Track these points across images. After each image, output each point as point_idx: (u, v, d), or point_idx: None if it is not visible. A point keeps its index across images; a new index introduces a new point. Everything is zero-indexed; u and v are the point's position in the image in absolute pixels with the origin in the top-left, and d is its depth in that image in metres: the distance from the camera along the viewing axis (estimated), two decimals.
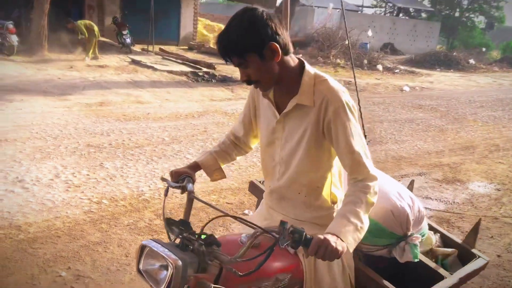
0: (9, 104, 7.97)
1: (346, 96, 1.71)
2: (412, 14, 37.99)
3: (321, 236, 1.46)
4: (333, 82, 1.74)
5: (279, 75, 1.70)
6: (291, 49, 1.70)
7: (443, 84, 17.20)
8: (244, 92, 11.78)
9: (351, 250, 1.57)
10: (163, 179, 1.85)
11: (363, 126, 3.42)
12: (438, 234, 2.33)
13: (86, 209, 4.28)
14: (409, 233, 1.99)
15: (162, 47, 17.20)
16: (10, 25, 12.38)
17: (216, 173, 2.08)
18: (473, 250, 2.24)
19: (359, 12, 34.87)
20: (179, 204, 4.53)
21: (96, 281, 3.18)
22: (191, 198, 1.79)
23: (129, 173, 5.27)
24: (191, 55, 16.65)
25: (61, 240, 3.69)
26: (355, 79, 5.02)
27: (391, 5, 37.12)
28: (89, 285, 3.14)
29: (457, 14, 40.21)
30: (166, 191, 1.81)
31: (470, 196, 5.45)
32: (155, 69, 12.95)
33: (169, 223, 1.54)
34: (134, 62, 13.83)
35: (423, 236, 2.11)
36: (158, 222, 4.13)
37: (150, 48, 16.06)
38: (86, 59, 13.18)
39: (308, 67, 1.76)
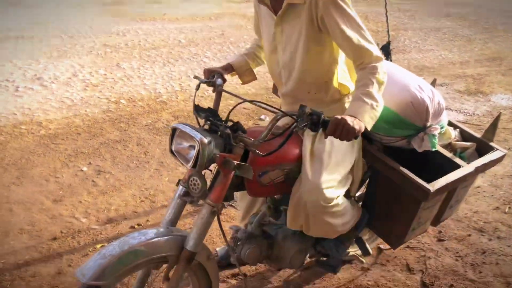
0: (25, 1, 7.78)
1: None
2: None
3: (338, 116, 1.50)
4: None
5: None
6: None
7: None
8: None
9: (369, 128, 1.62)
10: (195, 77, 1.95)
11: (388, 33, 3.25)
12: (458, 130, 2.34)
13: (104, 108, 4.32)
14: (428, 124, 2.00)
15: None
16: None
17: (246, 74, 2.13)
18: (491, 144, 2.25)
19: None
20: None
21: (116, 177, 3.29)
22: (219, 91, 1.88)
23: (146, 74, 5.23)
24: None
25: (81, 137, 3.77)
26: None
27: None
28: (109, 180, 3.26)
29: None
30: (198, 86, 1.89)
31: (492, 108, 5.34)
32: None
33: (198, 109, 1.64)
34: None
35: (442, 128, 2.11)
36: (176, 123, 4.17)
37: None
38: None
39: None
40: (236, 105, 1.76)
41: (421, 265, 2.68)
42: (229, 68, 2.07)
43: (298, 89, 1.89)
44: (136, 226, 2.81)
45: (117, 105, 4.40)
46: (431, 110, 1.98)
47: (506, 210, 3.32)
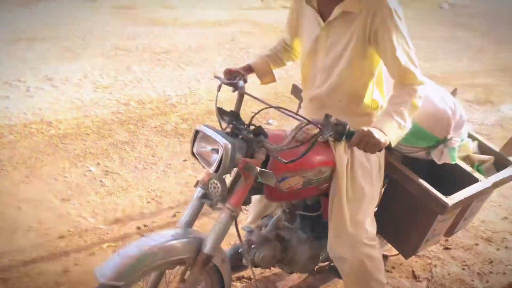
0: (36, 3, 7.87)
1: (394, 2, 1.66)
2: None
3: (365, 128, 1.51)
4: None
5: None
6: None
7: (485, 2, 16.15)
8: (275, 1, 11.33)
9: (393, 145, 1.62)
10: (216, 77, 1.93)
11: None
12: (476, 142, 2.33)
13: (114, 110, 4.35)
14: (448, 137, 2.01)
15: None
16: None
17: (267, 76, 2.10)
18: (510, 158, 2.25)
19: None
20: (205, 110, 4.57)
21: (123, 177, 3.31)
22: (241, 93, 1.86)
23: (156, 77, 5.27)
24: None
25: (90, 138, 3.80)
26: None
27: None
28: (117, 180, 3.28)
29: None
30: (219, 86, 1.89)
31: (501, 118, 5.31)
32: None
33: (221, 112, 1.64)
34: None
35: (462, 141, 2.12)
36: (185, 126, 4.19)
37: None
38: None
39: None
40: (260, 110, 1.77)
41: (427, 272, 2.66)
42: (249, 69, 2.05)
43: (331, 96, 1.87)
44: (142, 227, 2.83)
45: (126, 107, 4.43)
46: (452, 123, 1.99)
47: None
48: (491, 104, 5.73)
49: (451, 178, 2.05)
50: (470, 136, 2.33)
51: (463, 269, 2.72)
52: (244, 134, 1.57)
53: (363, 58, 1.76)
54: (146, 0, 9.41)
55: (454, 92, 2.43)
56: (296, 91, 2.44)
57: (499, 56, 8.35)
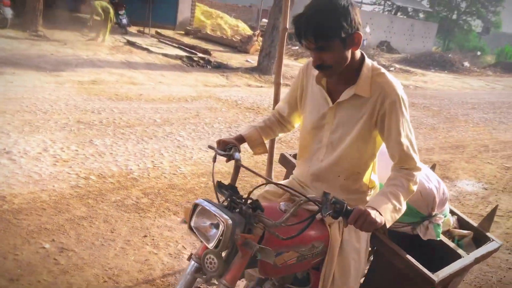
0: (0, 76, 7.84)
1: (401, 90, 1.79)
2: (410, 13, 37.97)
3: (362, 207, 1.54)
4: (390, 76, 1.81)
5: (347, 64, 1.75)
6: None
7: (437, 84, 17.27)
8: (239, 79, 11.73)
9: (388, 226, 1.66)
10: (210, 147, 1.96)
11: None
12: (455, 217, 2.44)
13: (73, 184, 4.23)
14: (433, 213, 2.10)
15: (159, 30, 17.02)
16: None
17: (259, 147, 2.15)
18: (488, 234, 2.34)
19: (358, 7, 34.71)
20: (167, 184, 4.50)
21: (79, 255, 3.15)
22: (238, 165, 1.89)
23: (119, 151, 5.22)
24: (187, 40, 16.50)
25: (46, 213, 3.64)
26: None
27: (390, 3, 37.01)
28: (72, 258, 3.10)
29: (454, 17, 40.22)
30: (214, 157, 1.93)
31: (458, 193, 5.48)
32: (150, 51, 12.83)
33: (220, 186, 1.65)
34: (129, 43, 13.68)
35: (445, 217, 2.21)
36: (146, 200, 4.10)
37: (146, 30, 15.89)
38: (100, 40, 13.02)
39: (367, 59, 1.82)
40: (259, 185, 1.80)
41: None
42: (242, 140, 2.09)
43: (331, 170, 1.92)
44: None
45: (86, 181, 4.32)
46: (437, 200, 2.09)
47: None
48: (448, 180, 5.93)
49: (433, 252, 2.11)
50: (450, 211, 2.42)
51: None
52: (243, 209, 1.56)
53: (368, 139, 1.84)
54: (111, 76, 9.56)
55: (433, 167, 2.54)
56: (284, 160, 2.50)
57: (450, 134, 8.79)
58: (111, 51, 12.22)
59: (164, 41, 15.28)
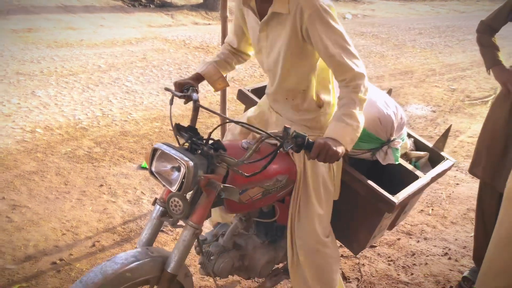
0: None
1: (320, 1, 1.69)
2: None
3: (322, 141, 1.55)
4: None
5: None
6: None
7: (384, 12, 17.29)
8: (185, 18, 11.28)
9: (349, 149, 1.67)
10: (166, 89, 1.87)
11: None
12: (412, 139, 2.50)
13: (18, 139, 4.03)
14: (392, 138, 2.13)
15: None
16: None
17: (219, 82, 2.09)
18: (442, 153, 2.43)
19: None
20: (119, 131, 4.37)
21: (33, 210, 3.05)
22: (196, 106, 1.82)
23: (64, 101, 4.98)
24: None
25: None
26: None
27: None
28: (26, 214, 3.01)
29: None
30: (171, 100, 1.83)
31: (408, 117, 5.64)
32: None
33: (178, 128, 1.62)
34: None
35: (403, 141, 2.25)
36: (98, 149, 3.98)
37: None
38: None
39: None
40: (220, 125, 1.82)
41: (356, 273, 2.71)
42: (200, 78, 2.03)
43: (278, 93, 1.93)
44: (58, 262, 2.61)
45: (32, 135, 4.12)
46: (395, 125, 2.11)
47: (430, 212, 3.47)
48: (399, 105, 6.08)
49: (392, 175, 2.17)
50: (407, 134, 2.47)
51: (389, 264, 2.81)
52: (204, 150, 1.54)
53: (301, 56, 1.80)
54: (48, 22, 8.95)
55: (389, 92, 2.56)
56: (243, 96, 2.46)
57: (400, 60, 8.93)
58: None
59: None
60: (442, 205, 3.59)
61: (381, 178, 2.06)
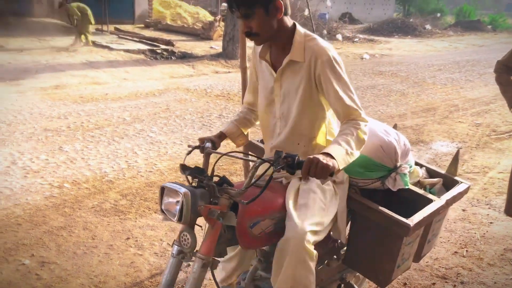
0: None
1: (332, 51, 1.89)
2: None
3: (311, 156, 1.59)
4: (321, 40, 1.92)
5: (276, 33, 1.88)
6: (289, 11, 1.90)
7: (402, 50, 17.44)
8: (205, 67, 11.59)
9: (341, 167, 1.69)
10: (189, 146, 2.09)
11: None
12: (424, 168, 2.51)
13: (47, 194, 4.10)
14: (398, 164, 2.15)
15: (117, 26, 16.61)
16: None
17: (240, 138, 2.26)
18: (456, 178, 2.44)
19: None
20: (144, 182, 4.42)
21: (62, 267, 3.06)
22: (207, 153, 2.00)
23: (90, 155, 5.08)
24: (147, 33, 16.15)
25: (22, 228, 3.52)
26: None
27: None
28: (55, 271, 3.01)
29: None
30: (189, 152, 2.04)
31: (434, 155, 5.56)
32: (111, 49, 12.50)
33: (184, 169, 1.72)
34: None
35: (410, 167, 2.26)
36: (124, 202, 4.01)
37: (105, 28, 15.48)
38: (81, 42, 12.50)
39: (299, 27, 1.94)
40: (218, 159, 1.86)
41: None
42: (222, 136, 2.18)
43: (290, 140, 2.01)
44: None
45: (60, 190, 4.19)
46: (399, 151, 2.15)
47: (464, 254, 3.34)
48: (423, 143, 6.00)
49: (408, 204, 2.16)
50: (417, 164, 2.49)
51: None
52: (205, 183, 1.62)
53: (313, 103, 1.94)
54: (74, 78, 9.30)
55: (395, 127, 2.59)
56: (252, 147, 2.55)
57: (420, 98, 8.90)
58: (71, 53, 11.85)
59: (124, 36, 14.93)
60: (477, 245, 3.46)
61: (398, 208, 2.07)
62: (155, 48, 13.07)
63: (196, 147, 2.04)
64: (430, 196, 2.21)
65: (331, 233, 2.06)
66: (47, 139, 5.53)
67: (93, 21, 12.72)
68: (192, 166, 1.72)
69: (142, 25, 18.04)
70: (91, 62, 11.02)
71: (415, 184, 2.35)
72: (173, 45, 13.78)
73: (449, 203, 2.24)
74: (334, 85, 1.83)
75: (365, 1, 31.77)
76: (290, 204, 1.87)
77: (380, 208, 2.00)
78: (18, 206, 3.87)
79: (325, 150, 1.70)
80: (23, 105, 7.04)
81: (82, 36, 12.68)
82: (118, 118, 6.55)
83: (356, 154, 1.78)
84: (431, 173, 2.52)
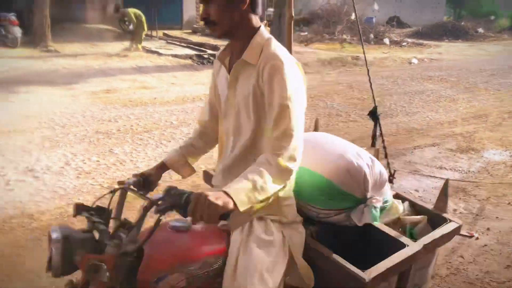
0: (16, 96, 7.95)
1: (287, 60, 1.57)
2: None
3: (199, 192, 1.33)
4: (281, 48, 1.63)
5: (237, 27, 1.63)
6: (260, 12, 1.67)
7: (452, 55, 16.90)
8: None
9: (241, 209, 1.37)
10: (119, 182, 1.81)
11: (374, 98, 3.34)
12: (407, 202, 2.14)
13: (98, 195, 4.26)
14: (368, 195, 1.84)
15: (166, 31, 17.05)
16: (13, 17, 12.29)
17: (184, 169, 1.96)
18: (444, 215, 2.04)
19: None
20: (191, 185, 4.51)
21: None
22: (124, 190, 1.71)
23: (139, 157, 5.24)
24: (195, 38, 16.49)
25: (75, 227, 3.66)
26: (364, 54, 4.86)
27: None
28: None
29: None
30: (113, 191, 1.75)
31: (486, 164, 5.35)
32: (159, 54, 12.85)
33: (79, 209, 1.49)
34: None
35: (385, 202, 1.94)
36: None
37: (154, 33, 15.92)
38: (133, 49, 12.97)
39: (264, 30, 1.69)
40: (104, 195, 1.68)
41: None
42: (163, 167, 1.94)
43: (243, 158, 1.67)
44: None
45: None
46: (369, 179, 1.83)
47: None
48: (474, 151, 5.79)
49: (378, 245, 1.84)
50: (398, 197, 2.16)
51: None
52: (95, 226, 1.38)
53: (263, 113, 1.62)
54: (124, 83, 9.62)
55: (376, 152, 2.31)
56: (207, 177, 2.27)
57: (471, 104, 8.59)
58: (121, 58, 12.27)
59: (172, 42, 15.31)
60: None
61: (364, 249, 1.77)
62: (202, 53, 13.32)
63: (120, 189, 1.73)
64: (403, 239, 1.82)
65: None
66: (98, 141, 5.75)
67: (146, 28, 13.10)
68: (94, 206, 1.48)
69: (190, 31, 18.43)
70: (140, 67, 11.36)
71: (395, 222, 2.00)
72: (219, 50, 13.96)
73: (429, 248, 1.82)
74: (274, 88, 1.51)
75: (414, 4, 31.01)
76: (230, 260, 1.57)
77: (333, 255, 1.66)
78: (71, 205, 4.04)
79: (225, 187, 1.39)
80: (76, 108, 7.34)
81: (140, 43, 13.04)
82: (165, 122, 6.71)
83: (271, 188, 1.45)
84: (416, 209, 2.13)
